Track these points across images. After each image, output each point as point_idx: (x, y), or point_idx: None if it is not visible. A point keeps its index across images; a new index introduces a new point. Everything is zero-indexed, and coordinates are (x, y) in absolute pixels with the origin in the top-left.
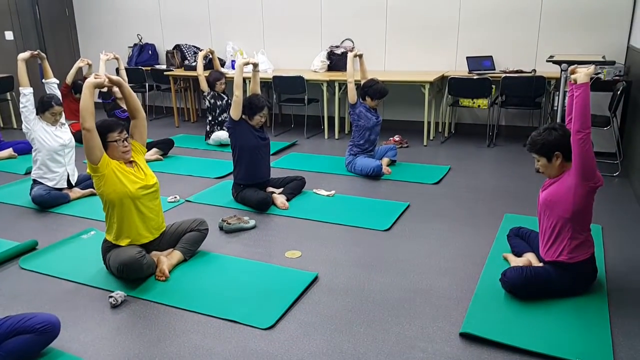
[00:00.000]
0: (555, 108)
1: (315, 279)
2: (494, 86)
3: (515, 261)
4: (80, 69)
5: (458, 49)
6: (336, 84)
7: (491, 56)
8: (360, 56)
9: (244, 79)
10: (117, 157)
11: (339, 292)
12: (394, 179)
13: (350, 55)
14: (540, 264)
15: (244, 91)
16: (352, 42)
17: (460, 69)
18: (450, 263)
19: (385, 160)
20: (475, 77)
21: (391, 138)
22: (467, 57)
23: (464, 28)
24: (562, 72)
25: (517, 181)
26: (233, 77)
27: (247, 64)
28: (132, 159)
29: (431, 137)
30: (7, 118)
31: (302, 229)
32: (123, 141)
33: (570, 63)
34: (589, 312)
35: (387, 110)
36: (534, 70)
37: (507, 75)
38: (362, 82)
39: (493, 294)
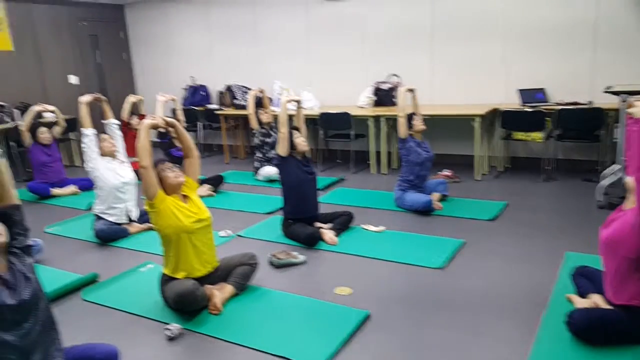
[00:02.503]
0: (616, 140)
1: (367, 317)
2: (548, 119)
3: (581, 302)
4: (133, 104)
5: (509, 81)
6: (382, 120)
7: (543, 88)
8: (412, 90)
9: (290, 116)
10: (172, 184)
11: (391, 332)
12: (446, 214)
13: (401, 89)
14: (609, 307)
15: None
16: (399, 78)
17: (512, 101)
18: (510, 303)
19: (435, 195)
20: (528, 110)
21: (441, 172)
22: (518, 90)
23: (514, 60)
24: (622, 103)
25: (578, 217)
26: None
27: (290, 101)
28: (185, 194)
29: (484, 172)
30: (71, 157)
31: (352, 265)
32: (170, 169)
33: (630, 93)
34: None
35: (436, 144)
36: (591, 102)
37: (563, 107)
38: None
39: (557, 337)
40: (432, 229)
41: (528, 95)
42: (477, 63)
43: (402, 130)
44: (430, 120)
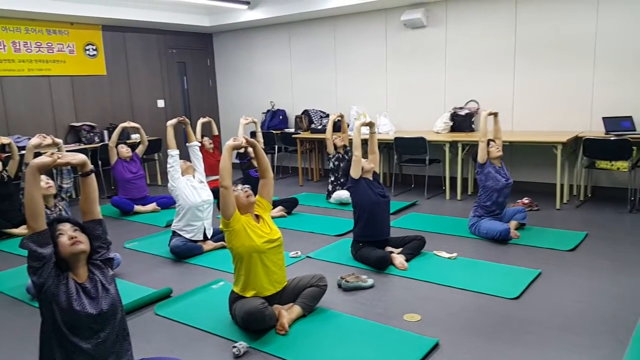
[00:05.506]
0: None
1: (436, 345)
2: (634, 148)
3: None
4: (203, 125)
5: (593, 109)
6: (459, 145)
7: (631, 116)
8: (495, 115)
9: (363, 141)
10: (244, 203)
11: None
12: (523, 243)
13: (484, 113)
14: None
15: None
16: (477, 104)
17: (596, 129)
18: (589, 339)
19: (513, 224)
20: (612, 139)
21: (520, 200)
22: (603, 118)
23: (599, 87)
24: None
25: None
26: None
27: (364, 124)
28: (258, 214)
29: (565, 201)
30: (154, 176)
31: (422, 291)
32: (241, 188)
33: None
34: None
35: (515, 171)
36: None
37: None
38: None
39: None
40: (507, 258)
41: (613, 123)
42: (560, 89)
43: (482, 155)
44: (509, 146)
